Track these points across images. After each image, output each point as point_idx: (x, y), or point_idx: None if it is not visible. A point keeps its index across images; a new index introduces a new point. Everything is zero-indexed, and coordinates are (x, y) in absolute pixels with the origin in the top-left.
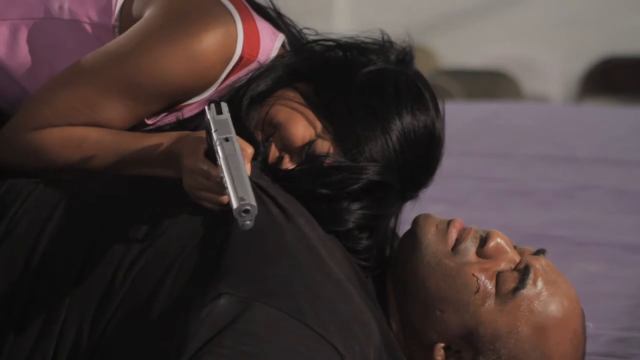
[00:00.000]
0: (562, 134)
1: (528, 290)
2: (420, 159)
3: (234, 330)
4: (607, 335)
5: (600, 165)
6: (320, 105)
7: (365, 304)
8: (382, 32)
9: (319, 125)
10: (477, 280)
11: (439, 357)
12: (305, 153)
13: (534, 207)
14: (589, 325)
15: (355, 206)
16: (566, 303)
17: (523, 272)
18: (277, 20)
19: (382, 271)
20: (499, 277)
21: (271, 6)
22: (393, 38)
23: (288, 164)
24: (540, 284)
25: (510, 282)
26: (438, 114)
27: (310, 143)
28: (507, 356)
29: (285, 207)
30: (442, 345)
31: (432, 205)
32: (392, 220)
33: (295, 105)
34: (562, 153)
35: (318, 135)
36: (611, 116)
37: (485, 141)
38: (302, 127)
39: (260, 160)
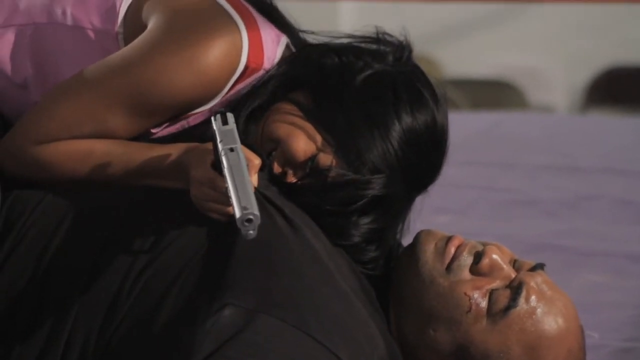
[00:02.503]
0: (567, 144)
1: (520, 309)
2: (424, 159)
3: (239, 341)
4: (611, 345)
5: (605, 175)
6: (319, 118)
7: (371, 316)
8: (377, 29)
9: (319, 138)
10: (469, 300)
11: None
12: (309, 167)
13: (538, 217)
14: (594, 335)
15: (361, 220)
16: (561, 321)
17: (515, 290)
18: (279, 19)
19: (386, 284)
20: (491, 295)
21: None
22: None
23: (292, 179)
24: (533, 301)
25: (502, 300)
26: (439, 107)
27: (313, 158)
28: None
29: (291, 218)
30: None
31: (436, 215)
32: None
33: (294, 119)
34: (566, 163)
35: (319, 149)
36: (616, 126)
37: (489, 151)
38: (302, 142)
39: (266, 172)
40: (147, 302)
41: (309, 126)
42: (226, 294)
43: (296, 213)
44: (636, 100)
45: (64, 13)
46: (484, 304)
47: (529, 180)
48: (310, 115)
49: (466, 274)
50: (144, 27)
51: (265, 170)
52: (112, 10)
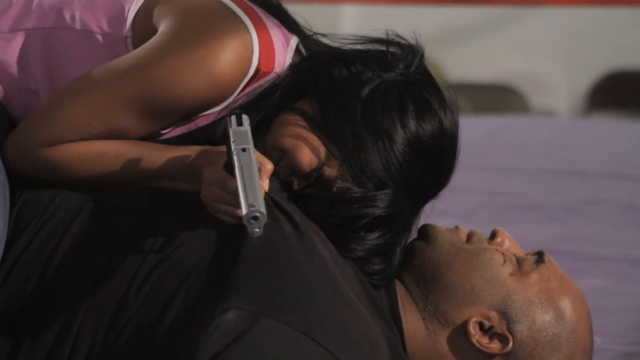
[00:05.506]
0: (570, 148)
1: (547, 267)
2: (430, 169)
3: (241, 344)
4: (614, 350)
5: (608, 180)
6: (325, 130)
7: (376, 322)
8: (388, 34)
9: (325, 150)
10: (502, 255)
11: (473, 331)
12: (313, 179)
13: (541, 222)
14: (597, 340)
15: (366, 236)
16: (577, 287)
17: (538, 254)
18: (287, 21)
19: (389, 283)
20: (518, 258)
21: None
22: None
23: (297, 188)
24: (555, 265)
25: (529, 261)
26: (448, 116)
27: (318, 169)
28: (541, 321)
29: (299, 223)
30: (475, 319)
31: (439, 219)
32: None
33: (300, 130)
34: (569, 167)
35: (324, 161)
36: (618, 131)
37: (492, 155)
38: (308, 153)
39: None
40: (154, 304)
41: (314, 138)
42: (230, 297)
43: (304, 219)
44: (638, 105)
45: (72, 17)
46: (514, 262)
47: (531, 184)
48: (316, 126)
49: (487, 245)
50: (153, 31)
51: (276, 176)
52: (121, 14)
